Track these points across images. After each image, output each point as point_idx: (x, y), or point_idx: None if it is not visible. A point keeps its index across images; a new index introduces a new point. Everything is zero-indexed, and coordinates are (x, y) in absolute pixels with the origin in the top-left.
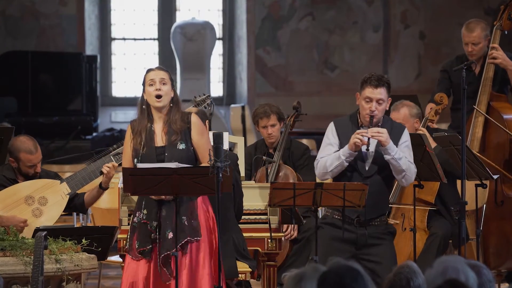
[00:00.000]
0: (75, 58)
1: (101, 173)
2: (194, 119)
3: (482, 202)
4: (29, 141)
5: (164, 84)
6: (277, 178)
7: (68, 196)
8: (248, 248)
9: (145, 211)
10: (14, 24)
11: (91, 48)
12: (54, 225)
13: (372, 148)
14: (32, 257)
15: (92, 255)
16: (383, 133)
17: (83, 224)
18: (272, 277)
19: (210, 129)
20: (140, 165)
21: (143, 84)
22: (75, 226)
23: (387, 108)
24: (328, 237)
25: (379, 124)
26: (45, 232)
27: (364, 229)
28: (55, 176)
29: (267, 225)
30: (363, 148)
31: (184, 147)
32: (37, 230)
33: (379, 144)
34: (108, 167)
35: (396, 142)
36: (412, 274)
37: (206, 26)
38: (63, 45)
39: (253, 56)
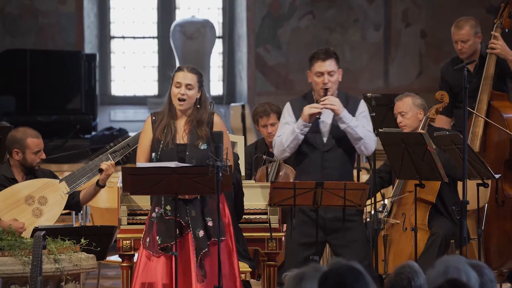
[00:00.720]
0: (74, 57)
1: (100, 170)
2: (217, 120)
3: (483, 201)
4: (31, 129)
5: (189, 89)
6: (277, 178)
7: (67, 196)
8: (248, 248)
9: (168, 207)
10: (12, 22)
11: (90, 46)
12: (53, 224)
13: (329, 120)
14: (30, 257)
15: (91, 255)
16: (334, 102)
17: (82, 224)
18: (272, 277)
19: None
20: (139, 164)
21: (172, 81)
22: (74, 226)
23: (340, 80)
24: (298, 223)
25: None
26: (43, 232)
27: (332, 213)
28: (51, 174)
29: (267, 225)
30: (322, 118)
31: (205, 147)
32: (35, 229)
33: (336, 117)
34: (107, 164)
35: (353, 113)
36: (413, 274)
37: (206, 25)
38: (62, 43)
39: (253, 55)
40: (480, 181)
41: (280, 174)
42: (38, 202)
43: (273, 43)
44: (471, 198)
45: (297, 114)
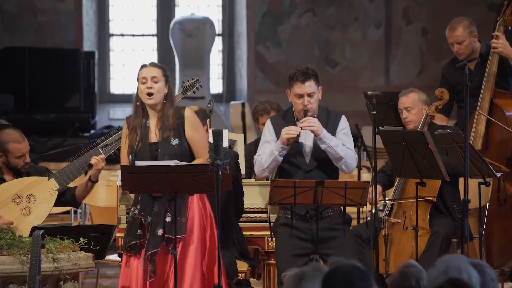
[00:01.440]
0: (72, 55)
1: (90, 166)
2: (188, 113)
3: (485, 200)
4: (15, 132)
5: (156, 82)
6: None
7: (56, 193)
8: (248, 247)
9: (138, 206)
10: (11, 20)
11: (89, 44)
12: (50, 223)
13: (310, 141)
14: (29, 256)
15: (90, 254)
16: (314, 123)
17: (80, 223)
18: (272, 276)
19: (210, 127)
20: (138, 163)
21: (137, 80)
22: (72, 225)
23: (320, 98)
24: (285, 238)
25: (315, 116)
26: (42, 231)
27: (318, 224)
28: (46, 171)
29: (267, 224)
30: (301, 140)
31: (177, 143)
32: (34, 228)
33: (315, 137)
34: (96, 159)
35: (333, 130)
36: (420, 273)
37: (206, 22)
38: (61, 41)
39: (253, 53)
40: (481, 180)
41: None
42: (26, 200)
43: (273, 40)
44: (472, 197)
45: (278, 132)
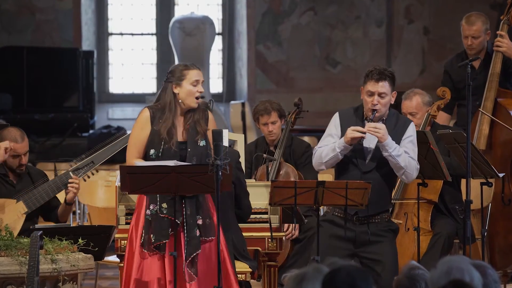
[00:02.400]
0: (71, 54)
1: (66, 187)
2: (211, 117)
3: (487, 201)
4: (16, 131)
5: (202, 86)
6: (278, 176)
7: (24, 215)
8: (248, 248)
9: (164, 205)
10: (9, 19)
11: (87, 43)
12: (49, 224)
13: (373, 144)
14: (27, 257)
15: (89, 255)
16: (380, 129)
17: (79, 223)
18: (272, 277)
19: None
20: (137, 163)
21: (179, 79)
22: (71, 225)
23: (392, 102)
24: (327, 235)
25: (384, 119)
26: (40, 232)
27: (364, 227)
28: (42, 175)
29: (267, 225)
30: (365, 143)
31: (204, 144)
32: (32, 229)
33: (379, 143)
34: (75, 183)
35: (399, 137)
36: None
37: (205, 21)
38: (59, 40)
39: (254, 52)
40: (483, 180)
41: (280, 173)
42: None
43: (273, 40)
44: (474, 198)
45: (344, 128)
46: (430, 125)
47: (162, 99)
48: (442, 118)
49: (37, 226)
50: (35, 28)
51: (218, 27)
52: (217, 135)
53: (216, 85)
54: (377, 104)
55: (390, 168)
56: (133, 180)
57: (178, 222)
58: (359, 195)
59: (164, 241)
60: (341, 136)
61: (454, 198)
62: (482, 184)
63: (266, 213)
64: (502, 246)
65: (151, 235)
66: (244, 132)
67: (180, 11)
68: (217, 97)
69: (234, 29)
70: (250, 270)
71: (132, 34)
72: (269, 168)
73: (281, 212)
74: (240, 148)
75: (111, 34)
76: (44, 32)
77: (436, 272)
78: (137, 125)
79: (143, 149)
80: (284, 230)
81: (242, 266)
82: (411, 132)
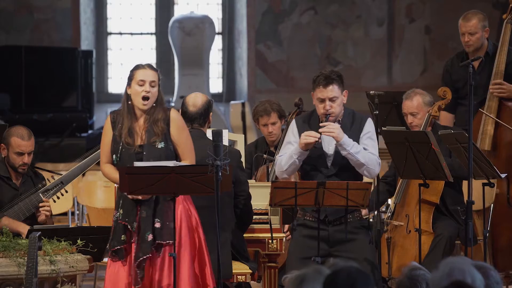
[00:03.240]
0: (70, 53)
1: (37, 209)
2: (174, 115)
3: (489, 202)
4: (24, 129)
5: (153, 86)
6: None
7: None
8: (248, 249)
9: (121, 211)
10: (7, 18)
11: (86, 43)
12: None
13: (332, 146)
14: (25, 258)
15: (88, 256)
16: (333, 129)
17: (78, 224)
18: (273, 279)
19: (209, 126)
20: (137, 164)
21: (130, 80)
22: (70, 226)
23: (345, 101)
24: (300, 235)
25: (339, 119)
26: (39, 233)
27: (336, 227)
28: (42, 179)
29: (268, 225)
30: (324, 147)
31: (163, 146)
32: (31, 230)
33: (336, 143)
34: (46, 205)
35: (357, 135)
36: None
37: (205, 20)
38: (58, 40)
39: (254, 51)
40: (485, 181)
41: None
42: None
43: (273, 39)
44: (476, 198)
45: (301, 133)
46: (431, 126)
47: (122, 102)
48: (446, 118)
49: (35, 227)
50: (33, 28)
51: (218, 27)
52: (217, 135)
53: (216, 85)
54: (329, 109)
55: (353, 169)
56: (131, 181)
57: (129, 228)
58: (360, 196)
59: (120, 247)
60: None
61: (455, 200)
62: (484, 184)
63: (266, 214)
64: (506, 247)
65: (111, 241)
66: (244, 133)
67: (180, 10)
68: (217, 97)
69: (234, 28)
70: (250, 271)
71: (131, 34)
72: (270, 169)
73: (282, 213)
74: (240, 148)
75: (110, 33)
76: (43, 32)
77: (438, 273)
78: (103, 133)
79: (110, 155)
80: (285, 231)
81: (242, 267)
82: (368, 128)
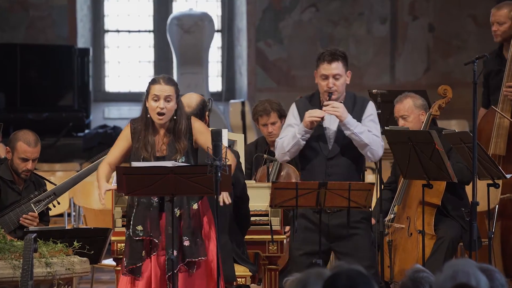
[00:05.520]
0: (66, 51)
1: (20, 224)
2: (195, 124)
3: (494, 203)
4: (31, 135)
5: (168, 101)
6: (279, 178)
7: None
8: (248, 251)
9: (140, 227)
10: (2, 15)
11: (83, 40)
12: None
13: (334, 126)
14: (21, 260)
15: (85, 258)
16: (338, 108)
17: (75, 226)
18: (273, 281)
19: (208, 126)
20: (134, 164)
21: (147, 93)
22: (66, 228)
23: (348, 82)
24: (301, 228)
25: (341, 101)
26: (34, 234)
27: (337, 219)
28: (44, 185)
29: (268, 227)
30: (325, 125)
31: (183, 160)
32: (26, 232)
33: (340, 123)
34: (29, 219)
35: (359, 117)
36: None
37: (204, 18)
38: (54, 37)
39: (254, 49)
40: (490, 181)
41: (281, 174)
42: None
43: (274, 37)
44: (481, 199)
45: (302, 115)
46: (429, 127)
47: (141, 113)
48: (481, 114)
49: (31, 228)
50: (28, 25)
51: (217, 24)
52: (216, 135)
53: (215, 84)
54: (332, 87)
55: (356, 152)
56: (129, 181)
57: (157, 241)
58: (362, 197)
59: (137, 265)
60: None
61: (457, 201)
62: (489, 185)
63: (266, 215)
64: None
65: (124, 259)
66: (244, 132)
67: (178, 7)
68: (216, 96)
69: (233, 26)
70: (250, 273)
71: (129, 31)
72: (270, 169)
73: (282, 214)
74: (240, 148)
75: (107, 31)
76: (38, 29)
77: (442, 276)
78: (120, 136)
79: (120, 158)
80: (285, 232)
81: (242, 270)
82: (370, 110)
